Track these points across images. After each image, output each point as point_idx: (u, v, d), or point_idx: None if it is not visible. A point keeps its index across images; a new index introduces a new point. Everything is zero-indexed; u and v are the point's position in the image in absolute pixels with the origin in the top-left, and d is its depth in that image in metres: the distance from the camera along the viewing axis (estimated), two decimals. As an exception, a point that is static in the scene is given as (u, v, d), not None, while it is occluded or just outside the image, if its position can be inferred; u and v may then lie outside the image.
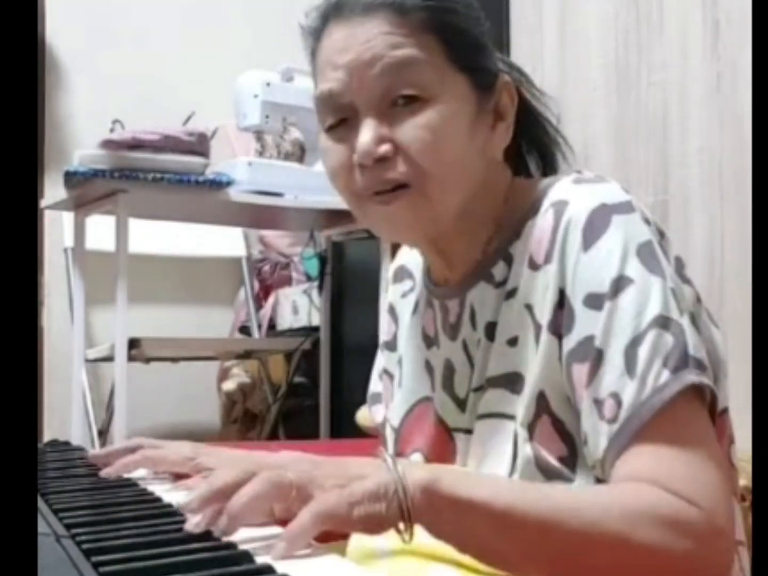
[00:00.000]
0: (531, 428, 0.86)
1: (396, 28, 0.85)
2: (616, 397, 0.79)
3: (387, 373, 1.09)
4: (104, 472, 0.99)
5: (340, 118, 0.88)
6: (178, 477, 1.03)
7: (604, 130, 2.25)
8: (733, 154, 1.91)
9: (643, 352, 0.79)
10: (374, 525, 0.71)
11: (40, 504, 0.81)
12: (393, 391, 1.06)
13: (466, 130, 0.88)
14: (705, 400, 0.81)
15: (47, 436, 2.94)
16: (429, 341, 1.01)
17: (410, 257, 1.07)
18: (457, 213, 0.90)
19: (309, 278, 3.21)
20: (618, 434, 0.78)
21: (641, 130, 2.15)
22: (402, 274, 1.09)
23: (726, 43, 1.94)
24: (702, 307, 0.89)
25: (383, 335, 1.11)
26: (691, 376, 0.78)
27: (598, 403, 0.80)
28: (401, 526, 0.71)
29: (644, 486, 0.76)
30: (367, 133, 0.85)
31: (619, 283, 0.81)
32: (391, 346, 1.09)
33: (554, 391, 0.85)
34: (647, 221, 0.85)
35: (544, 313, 0.85)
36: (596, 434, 0.80)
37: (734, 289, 1.87)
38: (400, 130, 0.85)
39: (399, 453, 1.02)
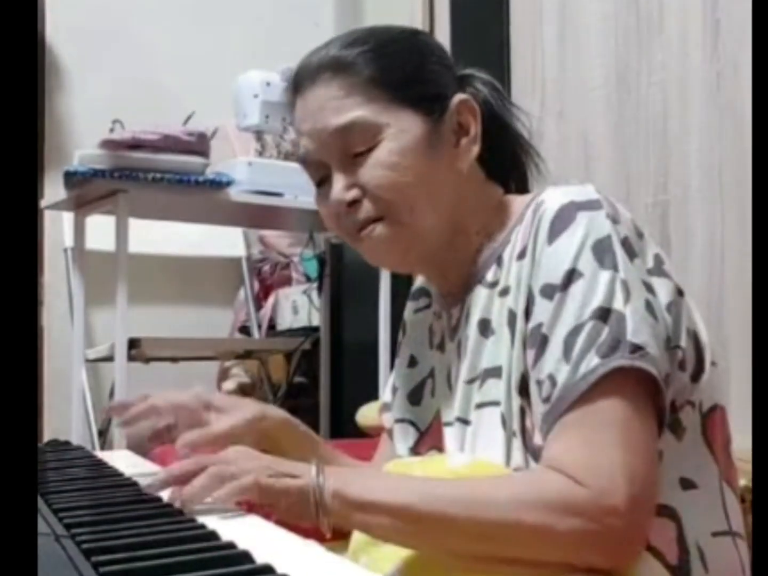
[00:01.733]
0: (522, 409, 0.91)
1: (338, 90, 0.97)
2: (552, 379, 0.86)
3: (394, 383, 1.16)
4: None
5: (322, 176, 1.01)
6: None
7: (604, 130, 2.25)
8: (733, 154, 1.92)
9: (580, 340, 0.85)
10: (297, 516, 0.86)
11: (40, 504, 0.81)
12: (417, 396, 1.11)
13: (421, 155, 0.97)
14: (638, 380, 0.84)
15: (47, 436, 2.94)
16: (440, 348, 1.08)
17: None
18: (441, 230, 0.99)
19: (308, 279, 3.21)
20: (549, 413, 0.86)
21: (641, 130, 2.15)
22: (419, 293, 1.17)
23: (726, 43, 1.94)
24: (684, 300, 0.93)
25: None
26: (620, 361, 0.84)
27: (539, 383, 0.88)
28: (319, 522, 0.85)
29: (542, 470, 0.84)
30: (336, 185, 0.98)
31: (571, 276, 0.88)
32: (397, 353, 1.17)
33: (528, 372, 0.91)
34: (614, 219, 0.91)
35: (519, 302, 0.92)
36: (537, 412, 0.88)
37: (734, 288, 1.87)
38: (362, 175, 0.97)
39: (416, 452, 1.08)
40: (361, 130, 0.96)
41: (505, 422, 0.92)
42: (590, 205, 0.91)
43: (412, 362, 1.13)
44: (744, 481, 0.98)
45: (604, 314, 0.85)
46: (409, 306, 1.17)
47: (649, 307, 0.88)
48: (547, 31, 2.46)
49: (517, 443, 0.91)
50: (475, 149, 1.00)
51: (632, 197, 2.13)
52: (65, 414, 2.58)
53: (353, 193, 0.97)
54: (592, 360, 0.84)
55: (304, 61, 1.02)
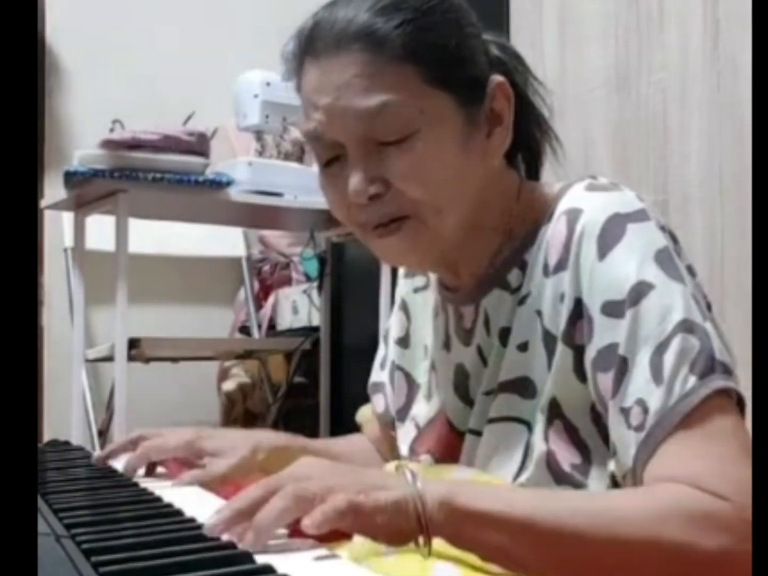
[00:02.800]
0: (545, 433, 0.86)
1: (367, 67, 0.84)
2: (642, 404, 0.78)
3: (400, 369, 1.08)
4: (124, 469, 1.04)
5: (333, 156, 0.88)
6: (181, 464, 1.05)
7: (604, 130, 2.25)
8: (733, 154, 1.91)
9: (669, 358, 0.78)
10: (395, 535, 0.72)
11: (40, 504, 0.81)
12: (426, 392, 1.04)
13: (456, 149, 0.87)
14: (733, 401, 0.80)
15: (47, 436, 2.94)
16: (439, 344, 1.01)
17: None
18: (459, 228, 0.90)
19: (309, 278, 3.21)
20: (645, 441, 0.78)
21: (641, 130, 2.15)
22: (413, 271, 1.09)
23: (726, 43, 1.94)
24: (713, 314, 0.88)
25: (395, 331, 1.10)
26: (719, 381, 0.78)
27: (624, 411, 0.79)
28: (420, 539, 0.72)
29: (672, 485, 0.75)
30: (356, 175, 0.86)
31: (640, 289, 0.80)
32: (405, 342, 1.08)
33: (567, 399, 0.85)
34: (662, 228, 0.84)
35: (559, 323, 0.85)
36: (624, 444, 0.80)
37: (734, 289, 1.87)
38: (388, 168, 0.85)
39: (414, 451, 1.03)
40: (392, 116, 0.84)
41: (529, 442, 0.87)
42: (638, 217, 0.83)
43: (426, 354, 1.05)
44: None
45: (689, 327, 0.78)
46: (406, 284, 1.09)
47: (715, 324, 0.82)
48: (547, 31, 2.46)
49: (536, 464, 0.85)
50: (508, 141, 0.90)
51: (632, 197, 2.12)
52: (65, 414, 2.58)
53: (376, 187, 0.86)
54: (689, 380, 0.77)
55: (326, 19, 0.86)
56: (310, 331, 3.07)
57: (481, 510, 0.73)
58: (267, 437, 1.10)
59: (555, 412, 0.85)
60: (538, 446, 0.86)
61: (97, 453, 1.12)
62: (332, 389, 3.04)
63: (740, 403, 0.81)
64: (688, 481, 0.75)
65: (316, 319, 3.07)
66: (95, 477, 1.00)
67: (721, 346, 0.80)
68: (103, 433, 2.83)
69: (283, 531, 0.73)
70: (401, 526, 0.72)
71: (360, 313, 2.97)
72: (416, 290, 1.07)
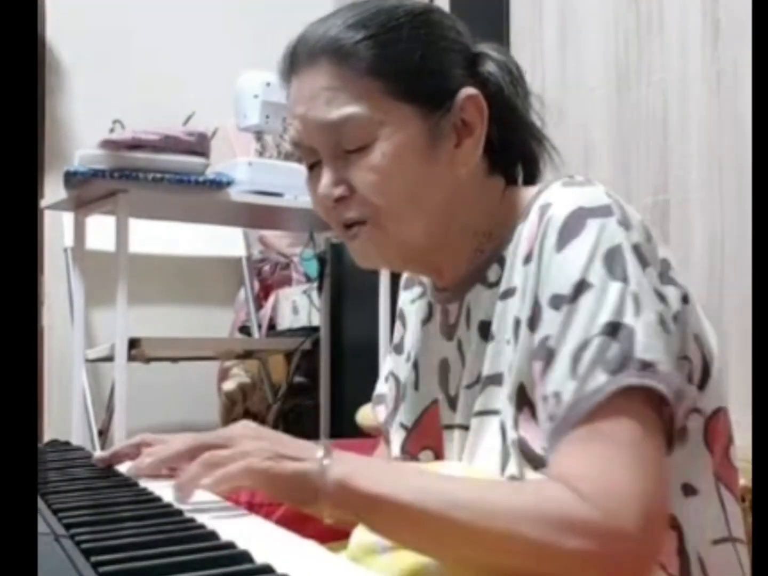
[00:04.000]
0: (516, 419, 0.88)
1: (334, 80, 0.91)
2: (558, 396, 0.82)
3: (393, 375, 1.12)
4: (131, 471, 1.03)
5: (314, 161, 0.96)
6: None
7: (604, 130, 2.25)
8: (733, 154, 1.92)
9: (588, 355, 0.81)
10: (296, 501, 0.85)
11: (40, 504, 0.81)
12: (403, 392, 1.08)
13: (417, 158, 0.92)
14: (649, 400, 0.81)
15: (47, 436, 2.94)
16: (432, 345, 1.04)
17: None
18: (431, 233, 0.94)
19: (308, 279, 3.21)
20: (555, 431, 0.81)
21: (641, 130, 2.15)
22: (411, 281, 1.13)
23: (726, 43, 1.94)
24: (690, 306, 0.89)
25: (394, 340, 1.15)
26: (629, 379, 0.79)
27: (545, 399, 0.83)
28: (317, 508, 0.82)
29: (551, 484, 0.79)
30: (324, 178, 0.94)
31: (580, 287, 0.83)
32: (399, 348, 1.13)
33: (531, 384, 0.87)
34: (626, 225, 0.86)
35: (524, 309, 0.88)
36: (542, 429, 0.84)
37: (734, 288, 1.87)
38: (352, 175, 0.92)
39: (408, 452, 1.04)
40: (355, 127, 0.90)
41: (504, 432, 0.89)
42: (601, 212, 0.86)
43: (408, 357, 1.09)
44: (744, 480, 0.98)
45: (613, 329, 0.81)
46: (404, 295, 1.13)
47: (662, 320, 0.84)
48: (547, 31, 2.46)
49: (513, 452, 0.87)
50: (478, 153, 0.94)
51: (632, 197, 2.13)
52: (65, 414, 2.58)
53: (340, 190, 0.93)
54: (600, 377, 0.80)
55: (305, 35, 0.94)
56: (310, 331, 3.07)
57: (368, 492, 0.81)
58: None
59: (523, 398, 0.88)
60: (510, 434, 0.88)
61: (99, 453, 1.12)
62: (332, 389, 3.03)
63: (669, 400, 0.82)
64: (568, 483, 0.78)
65: (316, 319, 3.07)
66: (95, 477, 1.00)
67: (651, 344, 0.81)
68: (104, 433, 2.84)
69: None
70: (302, 497, 0.83)
71: (360, 313, 2.97)
72: (412, 300, 1.12)
